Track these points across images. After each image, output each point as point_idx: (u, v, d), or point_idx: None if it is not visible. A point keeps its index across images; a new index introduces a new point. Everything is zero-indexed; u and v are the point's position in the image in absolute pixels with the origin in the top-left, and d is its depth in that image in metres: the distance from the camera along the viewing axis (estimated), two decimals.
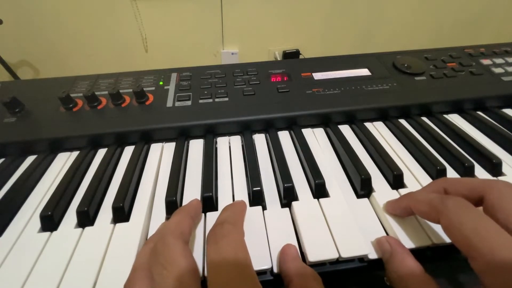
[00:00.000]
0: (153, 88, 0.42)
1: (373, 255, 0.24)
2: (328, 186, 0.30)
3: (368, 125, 0.39)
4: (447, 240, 0.24)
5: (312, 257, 0.23)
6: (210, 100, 0.40)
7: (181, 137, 0.37)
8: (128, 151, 0.36)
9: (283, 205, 0.29)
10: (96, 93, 0.40)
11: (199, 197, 0.30)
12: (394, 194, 0.29)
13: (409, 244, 0.24)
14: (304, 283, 0.21)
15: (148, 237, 0.27)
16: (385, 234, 0.25)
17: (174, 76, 0.44)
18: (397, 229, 0.25)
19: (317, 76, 0.44)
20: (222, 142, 0.37)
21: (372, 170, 0.32)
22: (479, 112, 0.41)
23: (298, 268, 0.22)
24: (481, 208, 0.22)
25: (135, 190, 0.31)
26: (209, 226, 0.26)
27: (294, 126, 0.38)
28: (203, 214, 0.28)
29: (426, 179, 0.31)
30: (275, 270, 0.23)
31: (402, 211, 0.25)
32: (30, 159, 0.36)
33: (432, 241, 0.24)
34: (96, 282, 0.22)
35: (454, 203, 0.20)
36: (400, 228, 0.25)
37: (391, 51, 0.49)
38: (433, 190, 0.25)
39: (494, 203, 0.20)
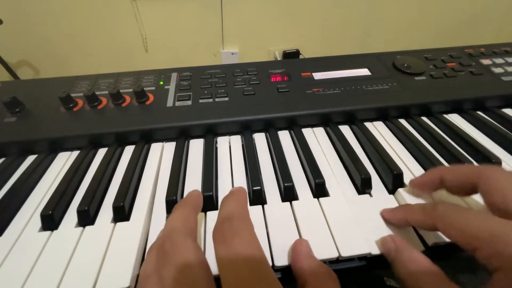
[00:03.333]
0: (153, 88, 0.42)
1: (375, 251, 0.24)
2: (328, 185, 0.30)
3: (368, 125, 0.39)
4: (447, 239, 0.24)
5: None
6: (210, 100, 0.40)
7: (181, 137, 0.37)
8: (128, 150, 0.36)
9: None
10: (96, 93, 0.40)
11: None
12: (393, 196, 0.29)
13: (409, 242, 0.24)
14: (320, 284, 0.19)
15: (149, 237, 0.27)
16: (387, 230, 0.25)
17: (174, 76, 0.44)
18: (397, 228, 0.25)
19: (317, 76, 0.44)
20: (222, 142, 0.37)
21: (372, 170, 0.32)
22: (479, 112, 0.41)
23: (313, 267, 0.21)
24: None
25: (136, 190, 0.31)
26: (209, 226, 0.26)
27: (294, 126, 0.38)
28: (203, 213, 0.28)
29: None
30: (277, 264, 0.23)
31: (397, 221, 0.25)
32: (30, 159, 0.36)
33: (432, 241, 0.24)
34: (96, 282, 0.22)
35: (445, 206, 0.21)
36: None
37: (391, 51, 0.49)
38: (430, 178, 0.26)
39: (489, 187, 0.21)
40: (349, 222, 0.26)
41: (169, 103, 0.39)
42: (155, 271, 0.19)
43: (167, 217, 0.28)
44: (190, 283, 0.17)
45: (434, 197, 0.28)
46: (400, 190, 0.29)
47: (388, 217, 0.26)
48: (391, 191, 0.30)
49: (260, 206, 0.28)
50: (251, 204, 0.29)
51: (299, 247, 0.23)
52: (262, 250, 0.19)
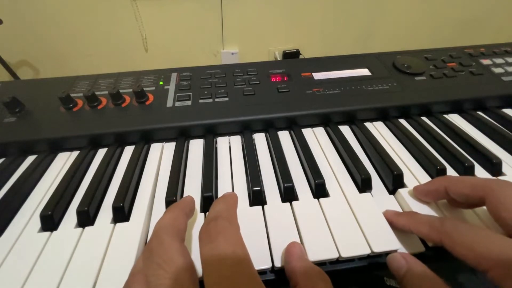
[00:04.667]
0: (153, 88, 0.42)
1: (378, 249, 0.24)
2: (328, 186, 0.30)
3: (368, 125, 0.39)
4: None
5: (312, 256, 0.23)
6: (210, 100, 0.40)
7: (181, 137, 0.37)
8: (128, 151, 0.36)
9: None
10: (96, 93, 0.40)
11: (199, 197, 0.30)
12: (393, 196, 0.29)
13: (410, 244, 0.24)
14: (311, 284, 0.20)
15: (149, 237, 0.27)
16: (388, 231, 0.25)
17: (174, 76, 0.44)
18: None
19: (317, 76, 0.44)
20: (222, 142, 0.37)
21: (372, 170, 0.32)
22: (479, 112, 0.41)
23: (304, 268, 0.21)
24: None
25: (135, 190, 0.31)
26: None
27: (294, 126, 0.38)
28: (203, 214, 0.28)
29: (426, 179, 0.31)
30: (277, 265, 0.23)
31: (400, 227, 0.25)
32: (30, 159, 0.36)
33: None
34: (96, 282, 0.22)
35: (453, 222, 0.21)
36: None
37: (391, 51, 0.49)
38: (434, 187, 0.26)
39: (497, 202, 0.21)
40: (349, 222, 0.26)
41: (169, 103, 0.39)
42: (141, 269, 0.19)
43: None
44: (172, 282, 0.17)
45: (437, 202, 0.28)
46: (400, 190, 0.29)
47: (391, 220, 0.26)
48: (391, 191, 0.30)
49: (260, 207, 0.28)
50: (251, 205, 0.29)
51: (292, 249, 0.23)
52: (246, 249, 0.19)
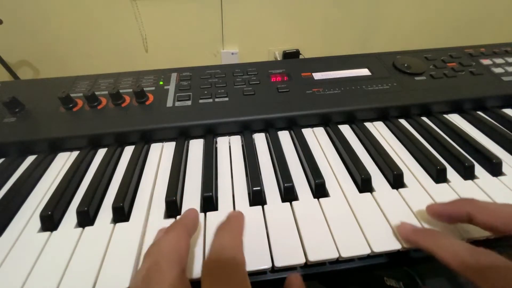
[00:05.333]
0: (153, 88, 0.42)
1: (378, 249, 0.24)
2: (328, 186, 0.30)
3: (368, 125, 0.39)
4: None
5: (312, 257, 0.23)
6: (210, 100, 0.40)
7: (181, 137, 0.37)
8: (128, 151, 0.36)
9: None
10: (96, 93, 0.40)
11: (199, 197, 0.30)
12: (394, 195, 0.29)
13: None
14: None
15: (147, 237, 0.26)
16: (388, 231, 0.25)
17: (174, 76, 0.44)
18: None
19: (317, 76, 0.44)
20: (222, 142, 0.37)
21: (372, 170, 0.32)
22: (479, 112, 0.41)
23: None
24: None
25: (135, 190, 0.31)
26: (209, 227, 0.26)
27: (294, 126, 0.38)
28: (203, 214, 0.28)
29: (426, 179, 0.31)
30: (277, 265, 0.23)
31: (413, 245, 0.23)
32: (30, 159, 0.36)
33: None
34: (96, 282, 0.22)
35: (490, 258, 0.18)
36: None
37: (391, 51, 0.49)
38: (454, 210, 0.23)
39: None
40: (349, 222, 0.26)
41: (169, 103, 0.39)
42: None
43: (165, 218, 0.28)
44: None
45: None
46: (401, 190, 0.29)
47: (407, 238, 0.24)
48: (392, 191, 0.30)
49: (260, 207, 0.28)
50: (251, 205, 0.29)
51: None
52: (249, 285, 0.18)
